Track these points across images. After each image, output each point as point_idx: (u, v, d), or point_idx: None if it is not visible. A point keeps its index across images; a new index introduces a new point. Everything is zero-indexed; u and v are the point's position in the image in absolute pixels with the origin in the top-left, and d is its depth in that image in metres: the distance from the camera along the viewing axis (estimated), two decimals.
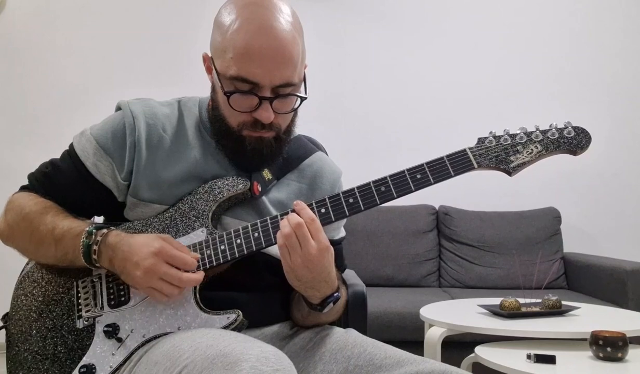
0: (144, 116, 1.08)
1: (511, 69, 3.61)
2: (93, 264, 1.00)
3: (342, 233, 1.23)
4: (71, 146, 1.12)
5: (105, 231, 1.01)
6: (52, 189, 1.10)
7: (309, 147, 1.23)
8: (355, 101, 3.60)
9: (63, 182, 1.10)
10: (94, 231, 1.00)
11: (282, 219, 0.98)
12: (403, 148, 3.51)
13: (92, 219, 1.13)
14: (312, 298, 1.02)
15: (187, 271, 0.97)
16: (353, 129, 3.56)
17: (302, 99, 1.05)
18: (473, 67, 3.61)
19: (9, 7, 3.45)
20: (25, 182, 1.15)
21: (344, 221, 1.15)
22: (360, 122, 3.58)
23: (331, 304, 1.03)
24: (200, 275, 0.98)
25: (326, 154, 1.30)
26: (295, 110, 1.07)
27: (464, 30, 3.62)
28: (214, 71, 1.04)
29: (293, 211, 0.98)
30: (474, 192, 3.33)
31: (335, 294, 1.03)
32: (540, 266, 3.01)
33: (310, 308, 1.05)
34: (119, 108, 1.12)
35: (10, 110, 3.43)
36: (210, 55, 1.07)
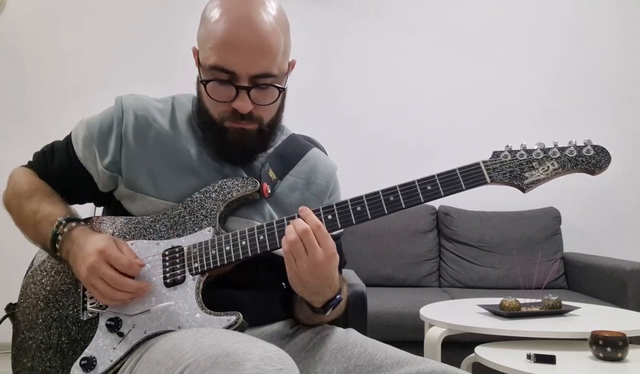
0: (133, 109, 1.12)
1: (511, 70, 3.60)
2: (54, 252, 1.03)
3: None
4: (71, 131, 1.16)
5: (74, 224, 1.04)
6: (46, 170, 1.15)
7: (305, 144, 1.25)
8: (354, 101, 3.60)
9: (56, 163, 1.15)
10: (63, 221, 1.03)
11: (288, 224, 0.98)
12: (402, 149, 3.51)
13: (82, 204, 1.17)
14: (315, 302, 1.02)
15: (133, 277, 0.98)
16: (351, 130, 3.56)
17: (281, 90, 1.06)
18: (472, 67, 3.60)
19: (9, 7, 3.45)
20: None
21: None
22: (358, 123, 3.57)
23: (333, 308, 1.03)
24: (141, 285, 0.98)
25: (324, 151, 1.31)
26: (275, 102, 1.07)
27: (464, 31, 3.62)
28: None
29: (299, 216, 0.98)
30: (474, 192, 3.30)
31: (337, 297, 1.03)
32: (540, 266, 3.00)
33: (312, 311, 1.05)
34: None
35: (10, 110, 3.43)
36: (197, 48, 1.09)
